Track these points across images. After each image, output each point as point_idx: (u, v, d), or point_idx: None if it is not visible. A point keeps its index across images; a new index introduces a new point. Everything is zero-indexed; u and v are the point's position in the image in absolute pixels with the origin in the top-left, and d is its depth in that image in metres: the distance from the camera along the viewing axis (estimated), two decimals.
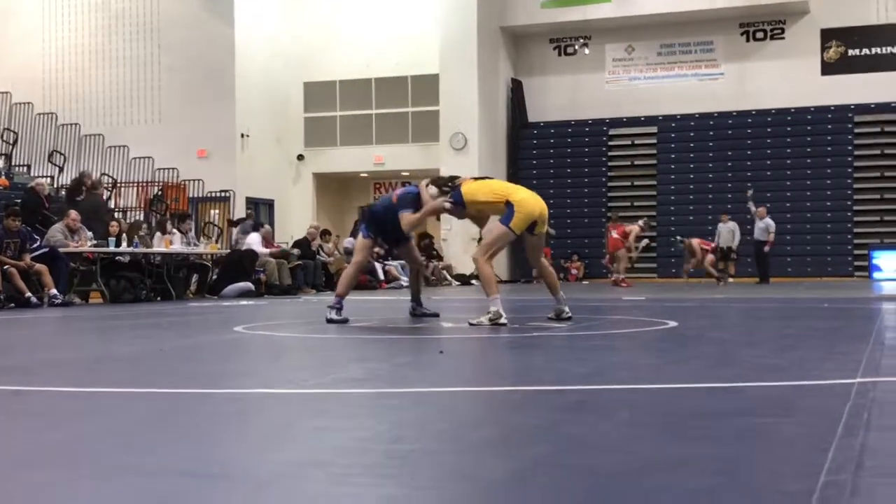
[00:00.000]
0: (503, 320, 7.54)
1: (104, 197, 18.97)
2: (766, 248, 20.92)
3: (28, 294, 12.57)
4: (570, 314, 8.21)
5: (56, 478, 2.42)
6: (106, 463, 2.61)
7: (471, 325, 7.57)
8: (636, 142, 25.97)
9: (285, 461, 2.59)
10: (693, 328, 7.87)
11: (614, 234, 22.21)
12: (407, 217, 8.23)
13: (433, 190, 8.30)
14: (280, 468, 2.49)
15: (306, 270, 18.15)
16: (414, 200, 8.28)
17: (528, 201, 8.02)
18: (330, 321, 8.09)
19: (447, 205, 8.21)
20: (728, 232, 21.82)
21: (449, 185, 8.29)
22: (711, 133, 25.11)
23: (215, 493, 2.21)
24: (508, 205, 7.94)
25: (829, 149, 24.34)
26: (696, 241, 21.38)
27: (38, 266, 13.01)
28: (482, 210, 8.34)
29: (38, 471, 2.51)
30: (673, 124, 25.48)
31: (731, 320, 9.46)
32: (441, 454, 2.68)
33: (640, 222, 21.19)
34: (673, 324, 7.87)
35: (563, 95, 26.26)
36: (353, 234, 19.53)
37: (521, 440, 2.90)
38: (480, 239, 9.70)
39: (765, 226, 20.99)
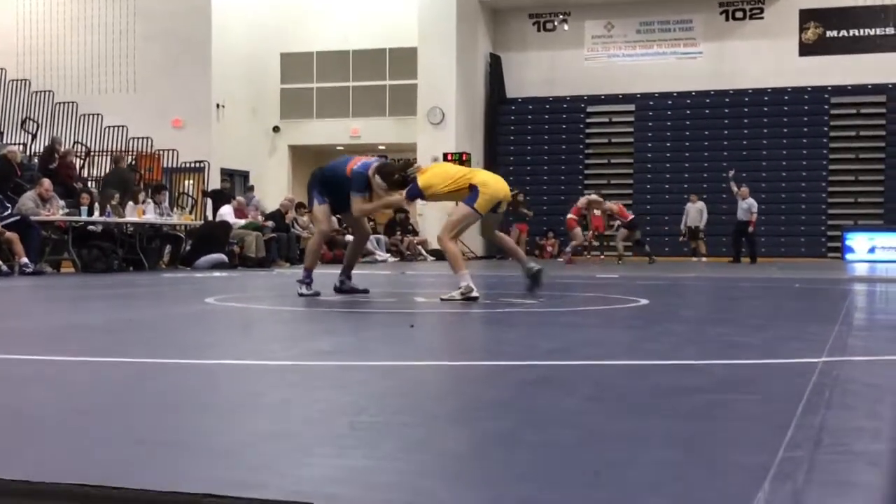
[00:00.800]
0: (474, 293, 7.54)
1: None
2: (751, 229, 21.02)
3: None
4: (538, 267, 8.25)
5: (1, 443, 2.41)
6: (52, 427, 2.59)
7: (442, 300, 7.57)
8: (614, 119, 26.01)
9: (249, 431, 2.58)
10: (664, 306, 7.91)
11: (596, 213, 22.29)
12: (359, 204, 7.96)
13: (379, 181, 7.94)
14: (243, 438, 2.49)
15: (280, 243, 18.10)
16: (367, 183, 7.95)
17: (492, 184, 7.99)
18: (301, 296, 7.99)
19: (403, 202, 8.20)
20: (696, 211, 22.05)
21: (403, 174, 7.98)
22: (689, 112, 25.17)
23: (169, 461, 2.20)
24: (472, 187, 7.88)
25: (805, 129, 24.47)
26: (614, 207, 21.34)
27: (9, 234, 12.89)
28: (442, 198, 8.26)
29: None
30: (651, 102, 25.51)
31: (703, 299, 9.52)
32: (403, 426, 2.68)
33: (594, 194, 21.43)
34: (645, 301, 7.92)
35: (541, 71, 26.23)
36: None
37: (482, 414, 2.91)
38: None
39: (747, 206, 21.09)
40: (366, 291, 8.46)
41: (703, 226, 22.13)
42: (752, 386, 3.48)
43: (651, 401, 3.12)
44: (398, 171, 8.00)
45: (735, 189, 21.30)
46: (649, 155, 25.36)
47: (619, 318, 6.69)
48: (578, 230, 20.61)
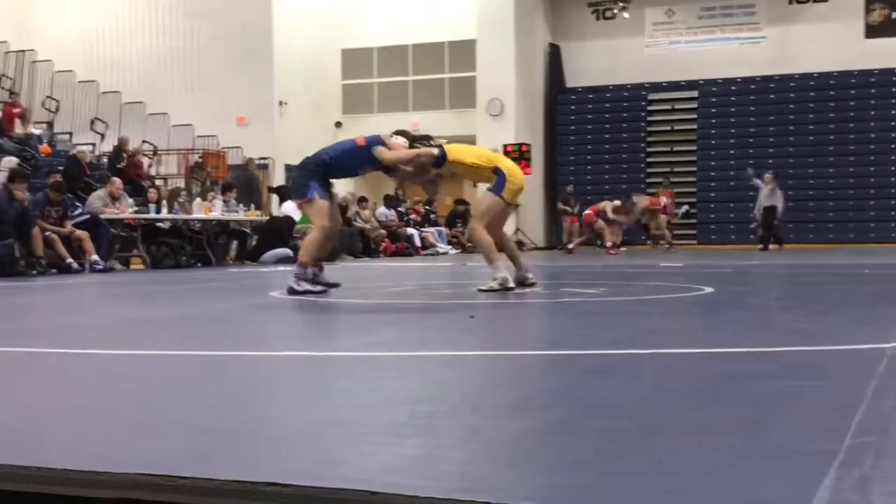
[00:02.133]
0: (510, 283, 7.44)
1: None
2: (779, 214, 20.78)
3: (70, 260, 12.74)
4: (533, 280, 7.86)
5: (67, 434, 2.46)
6: (123, 420, 2.65)
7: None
8: (676, 107, 25.71)
9: (309, 421, 2.61)
10: (729, 294, 7.81)
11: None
12: (387, 153, 7.37)
13: (401, 140, 7.58)
14: (303, 428, 2.52)
15: (343, 237, 18.21)
16: (382, 140, 7.51)
17: (517, 172, 7.83)
18: (292, 292, 7.38)
19: (435, 151, 7.55)
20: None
21: (423, 143, 7.66)
22: (753, 97, 24.78)
23: (234, 451, 2.23)
24: (498, 172, 7.65)
25: (872, 113, 23.94)
26: (646, 201, 21.08)
27: (80, 232, 13.16)
28: (460, 173, 7.99)
29: (51, 428, 2.56)
30: (714, 89, 25.17)
31: (769, 286, 9.38)
32: (462, 415, 2.69)
33: (617, 201, 21.16)
34: (709, 290, 7.82)
35: (601, 60, 26.02)
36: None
37: (541, 402, 2.90)
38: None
39: (773, 193, 20.73)
40: (337, 285, 7.89)
41: (780, 213, 21.62)
42: (819, 372, 3.42)
43: (714, 388, 3.09)
44: (421, 138, 7.74)
45: (758, 183, 20.95)
46: (713, 142, 25.03)
47: (683, 307, 6.62)
48: (600, 223, 20.48)
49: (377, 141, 7.48)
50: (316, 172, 7.59)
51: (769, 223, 20.72)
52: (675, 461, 2.08)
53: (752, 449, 2.21)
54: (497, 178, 7.67)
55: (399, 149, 7.47)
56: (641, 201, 21.02)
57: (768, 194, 20.69)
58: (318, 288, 7.46)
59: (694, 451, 2.17)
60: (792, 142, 23.88)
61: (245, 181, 19.23)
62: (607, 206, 20.39)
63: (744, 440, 2.30)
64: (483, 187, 7.84)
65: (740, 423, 2.50)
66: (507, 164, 7.87)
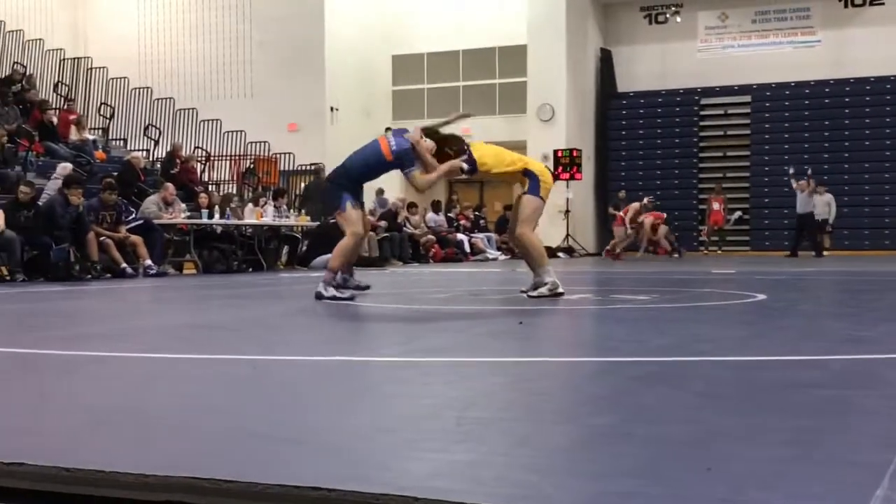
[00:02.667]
0: (560, 289, 7.44)
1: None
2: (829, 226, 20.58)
3: (123, 265, 12.91)
4: (549, 293, 7.59)
5: (117, 437, 2.49)
6: (172, 424, 2.68)
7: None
8: (729, 111, 25.46)
9: (358, 426, 2.62)
10: (782, 301, 7.71)
11: (715, 207, 21.88)
12: (419, 179, 7.39)
13: (429, 143, 7.46)
14: (350, 433, 2.53)
15: (393, 242, 18.29)
16: (414, 156, 7.43)
17: (546, 171, 7.89)
18: (319, 296, 7.42)
19: (465, 166, 7.51)
20: (823, 204, 21.31)
21: (451, 145, 7.57)
22: (807, 102, 24.46)
23: (280, 456, 2.25)
24: (530, 175, 7.67)
25: None
26: (649, 219, 20.83)
27: (134, 237, 13.34)
28: (500, 179, 8.01)
29: (104, 428, 2.59)
30: (767, 93, 24.89)
31: (822, 293, 9.24)
32: (510, 422, 2.68)
33: (646, 199, 20.94)
34: (762, 297, 7.73)
35: (653, 64, 25.86)
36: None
37: (589, 409, 2.89)
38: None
39: (809, 199, 20.49)
40: (368, 287, 8.02)
41: (831, 220, 21.36)
42: (872, 381, 3.37)
43: (765, 397, 3.05)
44: (452, 141, 7.60)
45: (794, 184, 20.68)
46: (767, 147, 24.73)
47: (734, 314, 6.55)
48: (622, 229, 20.36)
49: (407, 157, 7.40)
50: (345, 185, 7.66)
51: (803, 230, 20.52)
52: (724, 469, 2.06)
53: (802, 458, 2.18)
54: (530, 180, 7.70)
55: (428, 158, 7.42)
56: (646, 218, 20.84)
57: (804, 201, 20.47)
58: (347, 294, 7.49)
59: (743, 459, 2.14)
60: (847, 147, 23.53)
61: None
62: (635, 206, 20.27)
63: (794, 449, 2.27)
64: (517, 188, 7.82)
65: (790, 432, 2.46)
66: (536, 165, 7.93)
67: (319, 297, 7.41)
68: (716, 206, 22.23)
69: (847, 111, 24.04)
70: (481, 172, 7.75)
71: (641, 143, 25.74)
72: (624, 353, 4.18)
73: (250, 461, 2.16)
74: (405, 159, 7.40)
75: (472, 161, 7.55)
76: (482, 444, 2.37)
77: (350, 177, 7.67)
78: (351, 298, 7.44)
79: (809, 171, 20.99)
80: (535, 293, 7.52)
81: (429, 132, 7.64)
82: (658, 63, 25.84)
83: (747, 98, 25.10)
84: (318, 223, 16.49)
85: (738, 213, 24.02)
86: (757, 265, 15.45)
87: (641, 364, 3.81)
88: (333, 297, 7.38)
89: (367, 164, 7.64)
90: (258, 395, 3.24)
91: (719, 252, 22.95)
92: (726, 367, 3.79)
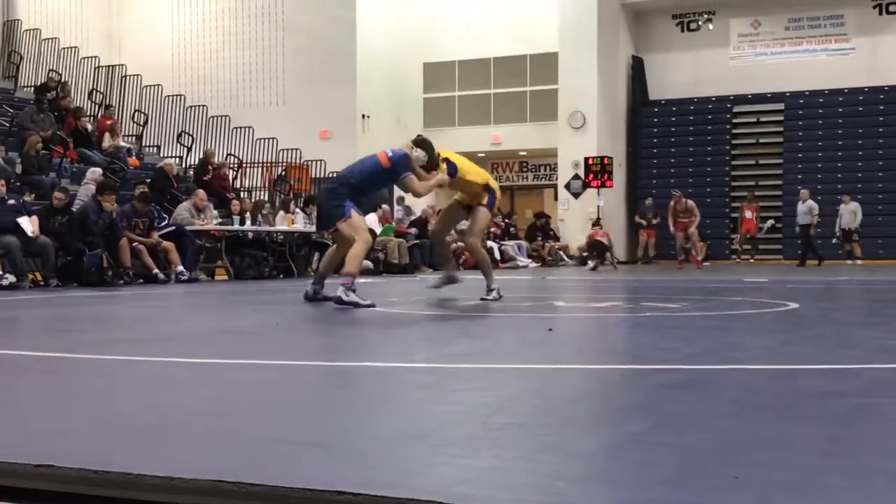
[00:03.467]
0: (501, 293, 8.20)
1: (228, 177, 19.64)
2: (812, 231, 20.52)
3: (156, 270, 13.01)
4: (499, 296, 8.23)
5: (144, 440, 2.50)
6: (199, 427, 2.69)
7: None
8: (762, 119, 25.30)
9: (384, 431, 2.62)
10: (814, 310, 7.65)
11: (748, 215, 21.74)
12: (416, 184, 7.78)
13: (420, 153, 7.81)
14: (377, 438, 2.52)
15: (423, 249, 18.30)
16: (408, 164, 7.79)
17: (497, 186, 8.43)
18: (342, 303, 7.43)
19: (446, 178, 7.98)
20: (850, 213, 21.26)
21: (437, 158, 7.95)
22: (841, 110, 24.25)
23: (305, 460, 2.25)
24: (488, 189, 8.22)
25: None
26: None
27: (166, 243, 13.44)
28: (457, 187, 8.37)
29: (131, 431, 2.61)
30: (801, 101, 24.70)
31: (856, 302, 9.15)
32: (537, 428, 2.67)
33: (648, 201, 20.82)
34: (794, 305, 7.67)
35: (685, 72, 25.75)
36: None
37: (618, 416, 2.87)
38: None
39: (807, 208, 20.50)
40: (329, 299, 7.91)
41: (856, 226, 21.30)
42: None
43: (795, 405, 3.02)
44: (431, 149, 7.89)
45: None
46: (800, 155, 24.54)
47: (766, 322, 6.49)
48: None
49: (402, 163, 7.79)
50: (346, 194, 7.83)
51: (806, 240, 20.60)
52: (753, 478, 2.04)
53: (832, 467, 2.16)
54: (489, 195, 8.24)
55: (419, 168, 7.83)
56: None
57: (805, 212, 20.49)
58: (367, 302, 7.48)
59: (773, 468, 2.12)
60: (881, 155, 23.29)
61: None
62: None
63: (824, 458, 2.24)
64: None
65: (820, 441, 2.44)
66: (493, 182, 8.43)
67: (340, 302, 7.46)
68: (748, 214, 22.07)
69: (881, 119, 23.81)
70: (458, 178, 8.13)
71: (673, 151, 25.62)
72: (654, 361, 4.15)
73: (275, 465, 2.17)
74: (398, 165, 7.77)
75: (453, 168, 8.03)
76: (509, 450, 2.36)
77: (351, 186, 7.85)
78: (372, 305, 7.46)
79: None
80: (490, 297, 8.11)
81: (417, 142, 7.97)
82: (690, 71, 25.73)
83: (780, 106, 24.92)
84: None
85: (770, 222, 23.84)
86: (789, 274, 15.32)
87: (671, 372, 3.78)
88: (355, 304, 7.41)
89: (363, 171, 7.92)
90: (285, 399, 3.24)
91: (752, 260, 22.77)
92: (757, 376, 3.76)
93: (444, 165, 7.96)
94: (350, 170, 8.03)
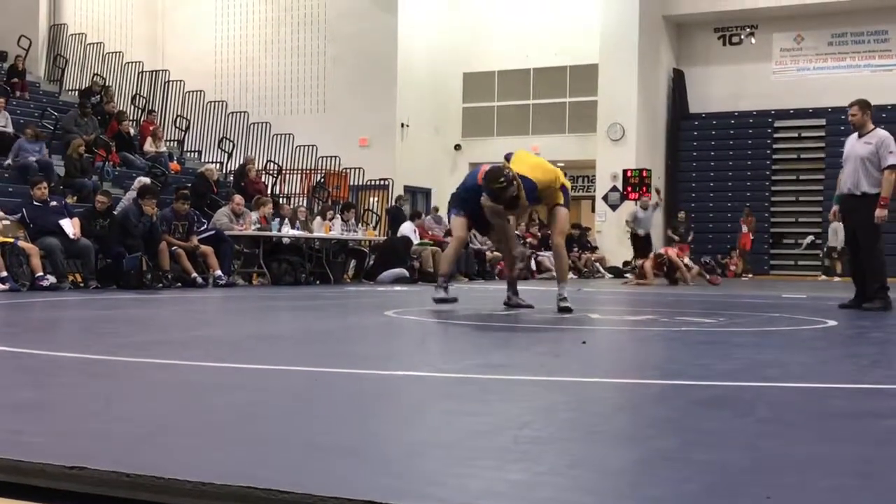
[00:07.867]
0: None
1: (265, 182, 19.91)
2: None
3: (194, 274, 13.12)
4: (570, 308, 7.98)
5: (177, 444, 2.53)
6: (231, 432, 2.71)
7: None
8: (803, 134, 25.07)
9: (413, 441, 2.62)
10: (853, 328, 7.56)
11: (744, 230, 21.49)
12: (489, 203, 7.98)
13: (485, 201, 7.94)
14: (406, 447, 2.53)
15: (459, 258, 18.29)
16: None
17: (566, 181, 8.26)
18: (439, 300, 8.26)
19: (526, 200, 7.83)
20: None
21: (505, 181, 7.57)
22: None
23: (336, 467, 2.26)
24: (563, 189, 8.07)
25: None
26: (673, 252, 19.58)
27: (205, 248, 13.55)
28: (548, 198, 8.10)
29: (165, 435, 2.63)
30: (843, 117, 24.27)
31: (894, 321, 9.02)
32: (567, 442, 2.66)
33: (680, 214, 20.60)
34: (832, 322, 7.59)
35: (726, 86, 25.59)
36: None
37: (650, 432, 2.86)
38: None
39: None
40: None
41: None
42: None
43: (830, 425, 2.99)
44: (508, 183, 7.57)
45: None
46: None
47: (802, 340, 6.43)
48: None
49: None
50: (454, 202, 8.61)
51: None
52: (784, 498, 2.02)
53: (864, 488, 2.14)
54: (563, 193, 8.09)
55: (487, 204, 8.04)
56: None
57: (834, 232, 20.33)
58: (452, 297, 8.32)
59: (804, 488, 2.10)
60: None
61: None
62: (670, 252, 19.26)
63: (857, 479, 2.22)
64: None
65: (854, 462, 2.41)
66: (562, 176, 8.15)
67: (440, 300, 8.26)
68: (744, 228, 21.82)
69: None
70: (541, 193, 7.92)
71: (713, 165, 25.45)
72: (687, 377, 4.13)
73: (306, 472, 2.18)
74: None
75: (532, 187, 7.70)
76: (538, 464, 2.35)
77: (458, 194, 8.55)
78: (454, 300, 8.33)
79: None
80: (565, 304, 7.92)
81: (487, 177, 7.82)
82: (731, 85, 25.57)
83: (822, 121, 24.69)
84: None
85: (810, 238, 23.61)
86: (829, 290, 15.16)
87: (705, 388, 3.76)
88: (443, 300, 8.24)
89: (465, 186, 8.43)
90: (317, 406, 3.26)
91: (750, 277, 22.64)
92: (792, 394, 3.72)
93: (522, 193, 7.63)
94: (464, 180, 8.75)
